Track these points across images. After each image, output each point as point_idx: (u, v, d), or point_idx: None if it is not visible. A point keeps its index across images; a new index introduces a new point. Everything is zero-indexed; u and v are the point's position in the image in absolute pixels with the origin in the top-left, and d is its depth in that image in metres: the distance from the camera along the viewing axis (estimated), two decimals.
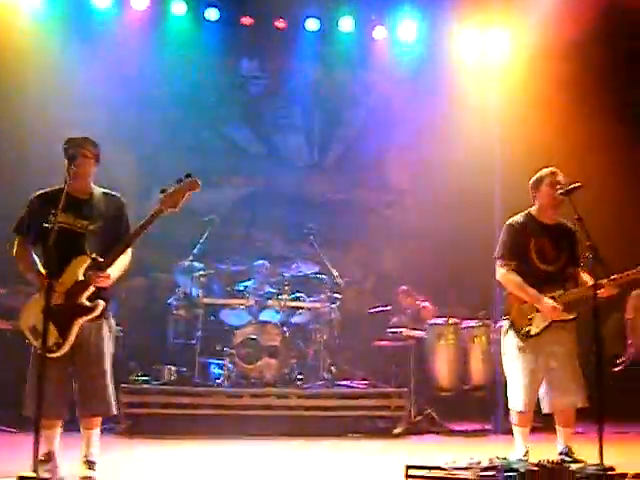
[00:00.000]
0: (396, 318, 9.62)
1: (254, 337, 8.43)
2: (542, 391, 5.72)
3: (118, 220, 5.21)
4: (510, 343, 5.84)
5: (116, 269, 5.04)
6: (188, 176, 5.18)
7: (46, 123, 9.84)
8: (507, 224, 5.93)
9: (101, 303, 4.96)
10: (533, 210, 5.92)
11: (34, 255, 5.09)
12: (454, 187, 10.92)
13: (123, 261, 5.10)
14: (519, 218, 5.93)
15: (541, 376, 5.68)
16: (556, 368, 5.65)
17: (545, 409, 5.77)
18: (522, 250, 5.79)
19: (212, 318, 9.05)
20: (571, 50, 9.71)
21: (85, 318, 4.92)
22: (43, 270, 4.94)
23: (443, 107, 10.93)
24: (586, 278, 5.65)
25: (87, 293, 4.93)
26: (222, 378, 8.32)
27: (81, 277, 4.92)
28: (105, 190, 5.28)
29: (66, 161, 4.99)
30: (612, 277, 5.45)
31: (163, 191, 5.10)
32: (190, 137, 11.09)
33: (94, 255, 4.95)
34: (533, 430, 5.84)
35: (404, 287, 9.94)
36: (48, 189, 5.19)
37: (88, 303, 4.93)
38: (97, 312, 4.95)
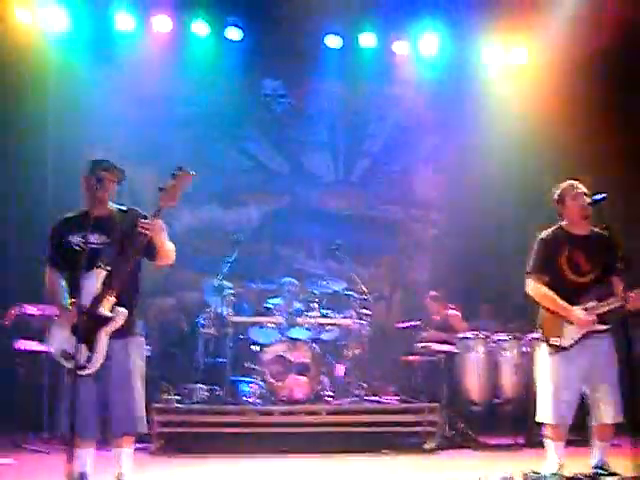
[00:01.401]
0: (425, 333, 9.58)
1: (283, 354, 8.43)
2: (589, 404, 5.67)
3: (134, 233, 5.22)
4: (543, 356, 5.80)
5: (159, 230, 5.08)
6: (180, 169, 5.20)
7: (70, 142, 9.99)
8: (538, 238, 5.89)
9: (121, 310, 4.98)
10: (564, 223, 5.88)
11: (62, 284, 5.10)
12: (481, 200, 10.92)
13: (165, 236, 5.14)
14: (550, 231, 5.89)
15: (576, 389, 5.61)
16: (593, 381, 5.59)
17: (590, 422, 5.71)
18: (553, 263, 5.74)
19: (241, 336, 9.07)
20: (589, 66, 9.70)
21: (109, 328, 4.93)
22: (68, 297, 4.99)
23: (467, 120, 10.96)
24: (622, 288, 5.58)
25: (107, 304, 4.95)
26: (252, 396, 8.32)
27: (98, 290, 4.95)
28: (122, 207, 5.31)
29: (88, 182, 5.05)
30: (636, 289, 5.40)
31: (161, 189, 5.12)
32: (214, 156, 11.14)
33: (110, 268, 4.99)
34: (570, 443, 5.78)
35: (433, 292, 9.91)
36: (70, 214, 5.21)
37: (109, 313, 4.95)
38: (120, 320, 4.97)
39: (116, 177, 5.14)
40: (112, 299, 4.94)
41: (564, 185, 5.85)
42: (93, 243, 5.01)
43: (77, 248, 4.83)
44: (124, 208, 5.30)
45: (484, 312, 10.46)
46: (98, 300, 4.92)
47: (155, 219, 5.03)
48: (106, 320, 4.94)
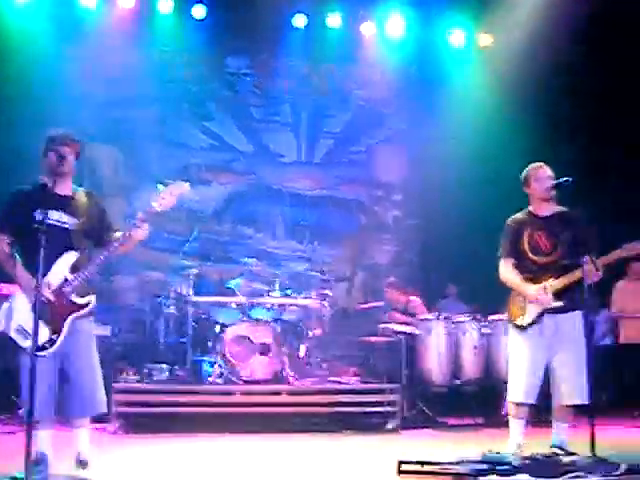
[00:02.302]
0: (387, 313, 9.61)
1: (245, 335, 8.41)
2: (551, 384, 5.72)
3: (101, 218, 5.17)
4: (510, 335, 5.89)
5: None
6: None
7: (29, 119, 9.82)
8: (505, 223, 5.96)
9: (93, 298, 4.94)
10: (530, 206, 5.93)
11: (12, 253, 4.95)
12: (443, 182, 10.97)
13: None
14: (516, 215, 5.96)
15: (541, 368, 5.66)
16: (559, 361, 5.63)
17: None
18: (517, 245, 5.81)
19: (203, 316, 9.03)
20: (552, 52, 9.77)
21: (77, 314, 4.89)
22: (24, 270, 4.88)
23: (431, 102, 10.98)
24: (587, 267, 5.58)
25: (77, 290, 4.90)
26: (213, 376, 8.30)
27: (69, 274, 4.89)
28: (85, 189, 5.24)
29: (48, 157, 4.95)
30: (594, 259, 5.42)
31: (157, 194, 5.08)
32: (178, 134, 11.07)
33: (79, 253, 4.93)
34: (529, 424, 5.84)
35: (391, 279, 9.92)
36: (27, 186, 5.08)
37: (81, 299, 4.90)
38: (90, 307, 4.93)
39: (76, 150, 5.04)
40: (84, 284, 4.90)
41: (529, 167, 5.90)
42: (60, 222, 4.94)
43: (41, 226, 4.75)
44: (89, 191, 5.24)
45: (451, 292, 10.54)
46: (70, 285, 4.86)
47: (142, 225, 4.99)
48: (78, 307, 4.89)
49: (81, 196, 5.13)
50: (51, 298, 4.79)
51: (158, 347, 8.89)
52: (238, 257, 10.60)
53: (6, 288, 8.03)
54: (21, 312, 4.80)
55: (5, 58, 9.60)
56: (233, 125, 11.36)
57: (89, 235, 5.05)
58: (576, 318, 5.68)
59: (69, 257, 4.91)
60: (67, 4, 10.06)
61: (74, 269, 4.90)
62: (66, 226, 4.96)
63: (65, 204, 5.00)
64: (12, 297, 4.93)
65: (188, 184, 5.26)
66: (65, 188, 5.06)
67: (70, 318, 4.87)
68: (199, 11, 10.56)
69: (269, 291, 9.05)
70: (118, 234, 5.05)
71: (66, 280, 4.87)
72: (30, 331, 4.61)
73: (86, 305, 4.92)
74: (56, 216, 4.93)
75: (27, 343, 4.70)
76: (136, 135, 10.84)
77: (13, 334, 4.83)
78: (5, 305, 4.92)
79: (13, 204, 5.01)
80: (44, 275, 4.70)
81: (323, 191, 11.54)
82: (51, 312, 4.78)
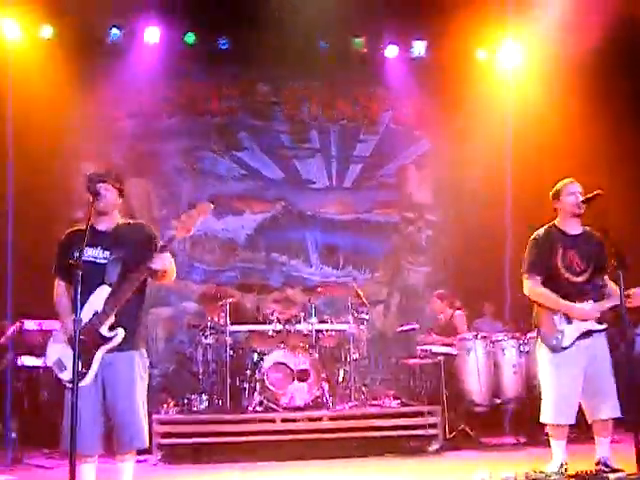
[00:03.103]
0: (425, 335, 9.58)
1: (283, 362, 8.43)
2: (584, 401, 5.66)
3: (147, 244, 5.20)
4: (543, 356, 5.78)
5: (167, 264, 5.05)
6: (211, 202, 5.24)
7: (61, 155, 10.00)
8: (532, 238, 5.89)
9: (121, 332, 4.98)
10: (557, 222, 5.89)
11: (66, 297, 5.08)
12: (474, 201, 10.94)
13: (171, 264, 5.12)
14: (543, 231, 5.89)
15: (578, 388, 5.61)
16: (593, 379, 5.59)
17: (588, 419, 5.71)
18: (548, 263, 5.74)
19: (241, 345, 9.06)
20: (582, 59, 9.71)
21: (105, 348, 4.94)
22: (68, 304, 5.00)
23: (459, 122, 10.98)
24: (614, 287, 5.60)
25: (108, 323, 4.95)
26: (253, 404, 8.31)
27: (101, 307, 4.95)
28: (131, 220, 5.31)
29: (90, 197, 5.03)
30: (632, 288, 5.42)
31: (178, 218, 5.13)
32: (207, 165, 11.16)
33: (114, 284, 4.99)
34: (571, 441, 5.77)
35: (440, 291, 9.89)
36: (76, 227, 5.20)
37: (109, 333, 4.95)
38: (117, 341, 4.96)
39: (114, 186, 5.11)
40: (112, 318, 4.94)
41: (562, 181, 5.87)
42: (96, 258, 5.02)
43: (75, 262, 4.81)
44: (131, 222, 5.30)
45: (488, 311, 10.47)
46: (99, 318, 4.91)
47: (163, 252, 4.99)
48: (104, 339, 4.93)
49: (123, 228, 5.20)
50: (83, 333, 4.85)
51: (197, 377, 8.93)
52: (273, 284, 10.64)
53: (47, 324, 8.21)
54: (59, 346, 4.92)
55: (33, 94, 9.73)
56: (263, 153, 11.42)
57: (132, 264, 5.08)
58: (604, 334, 5.69)
59: (102, 291, 4.97)
60: (94, 39, 10.18)
61: (106, 303, 4.96)
62: (102, 261, 5.03)
63: (103, 240, 5.06)
64: (55, 333, 5.07)
65: (210, 204, 5.24)
66: (107, 224, 5.14)
67: (99, 351, 4.92)
68: (222, 42, 10.63)
69: (305, 317, 9.07)
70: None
71: (96, 313, 4.93)
72: (65, 364, 4.77)
73: (113, 338, 4.96)
74: (93, 252, 5.01)
75: (63, 375, 4.84)
76: (166, 167, 10.96)
77: (53, 366, 4.94)
78: (50, 340, 5.06)
79: (65, 246, 5.10)
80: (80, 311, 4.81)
81: (355, 215, 11.54)
82: (83, 346, 4.84)
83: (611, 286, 5.69)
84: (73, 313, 4.73)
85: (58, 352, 4.93)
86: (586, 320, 5.60)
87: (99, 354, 4.91)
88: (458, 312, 9.53)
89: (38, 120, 9.64)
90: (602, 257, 5.68)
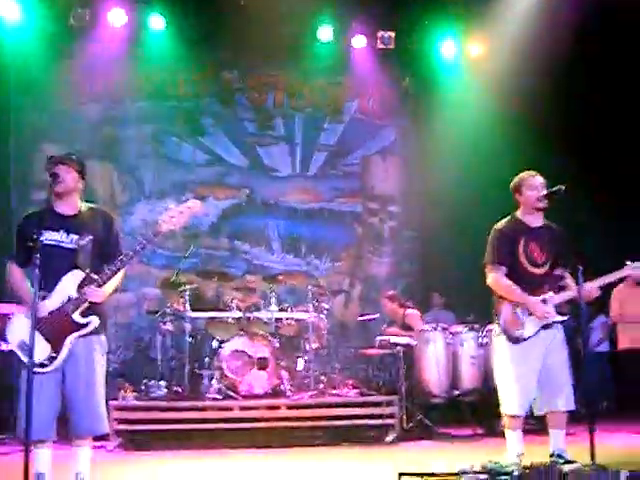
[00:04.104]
0: (386, 325, 9.61)
1: (243, 350, 8.41)
2: (536, 393, 5.71)
3: (108, 234, 5.15)
4: (501, 347, 5.80)
5: (111, 285, 5.00)
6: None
7: (27, 138, 9.90)
8: (494, 229, 5.91)
9: (95, 319, 4.93)
10: (518, 213, 5.91)
11: (25, 279, 4.96)
12: (438, 193, 11.00)
13: (117, 277, 5.05)
14: (506, 222, 5.91)
15: (534, 379, 5.66)
16: (548, 371, 5.63)
17: (538, 411, 5.77)
18: (511, 254, 5.78)
19: (200, 332, 9.02)
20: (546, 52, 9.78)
21: (78, 334, 4.88)
22: (29, 291, 4.88)
23: (425, 111, 11.03)
24: (570, 280, 5.68)
25: (81, 309, 4.89)
26: (212, 392, 8.28)
27: (74, 293, 4.89)
28: (92, 205, 5.25)
29: (49, 179, 4.96)
30: (597, 279, 5.48)
31: (165, 210, 5.06)
32: (172, 150, 11.08)
33: (87, 271, 4.93)
34: (526, 432, 5.82)
35: (390, 292, 9.89)
36: (35, 210, 5.14)
37: (82, 319, 4.89)
38: (90, 328, 4.92)
39: (74, 169, 5.03)
40: (86, 304, 4.89)
41: (522, 174, 5.89)
42: (61, 242, 4.95)
43: (50, 248, 4.79)
44: (93, 206, 5.23)
45: (437, 302, 10.54)
46: (73, 303, 4.86)
47: (111, 273, 4.92)
48: (78, 326, 4.88)
49: (87, 213, 5.13)
50: (53, 316, 4.80)
51: (155, 363, 8.87)
52: (235, 272, 10.60)
53: (7, 308, 8.07)
54: (23, 329, 4.75)
55: None
56: (227, 140, 11.36)
57: (96, 252, 5.03)
58: (560, 327, 5.75)
59: (75, 276, 4.91)
60: (58, 24, 10.05)
61: (80, 288, 4.90)
62: (69, 246, 4.96)
63: (68, 223, 5.00)
64: (16, 315, 4.93)
65: (201, 202, 5.19)
66: (68, 207, 5.06)
67: (70, 337, 4.86)
68: (191, 28, 10.54)
69: (266, 305, 9.05)
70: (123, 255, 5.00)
71: (69, 299, 4.87)
72: (28, 345, 4.58)
73: (87, 325, 4.91)
74: (56, 236, 4.94)
75: (26, 357, 4.69)
76: (130, 152, 10.87)
77: (16, 349, 4.83)
78: (11, 323, 4.93)
79: (23, 229, 5.00)
80: (49, 293, 4.80)
81: (318, 204, 11.54)
82: (53, 330, 4.79)
83: (570, 279, 5.73)
84: (42, 297, 4.70)
85: (23, 334, 4.76)
86: (546, 317, 5.64)
87: (69, 340, 4.85)
88: (410, 311, 9.50)
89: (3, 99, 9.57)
90: (562, 250, 5.74)
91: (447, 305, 10.56)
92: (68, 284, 4.90)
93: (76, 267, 4.94)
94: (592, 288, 5.57)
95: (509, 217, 5.93)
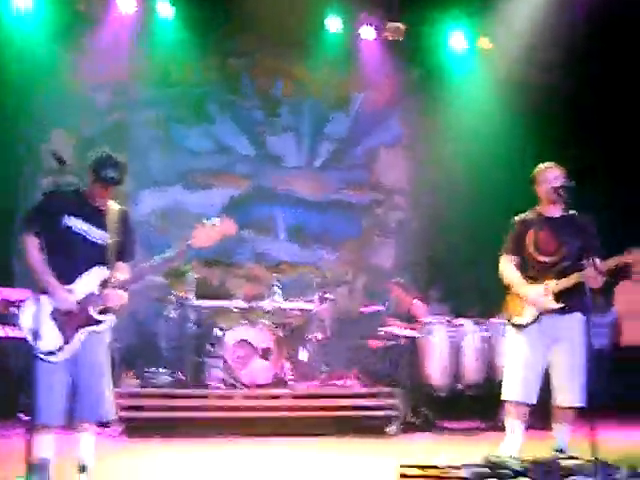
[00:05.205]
0: (389, 317, 9.61)
1: (246, 339, 8.42)
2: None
3: (128, 233, 5.17)
4: (508, 334, 5.88)
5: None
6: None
7: (35, 126, 9.90)
8: (513, 219, 5.96)
9: (111, 317, 4.96)
10: (538, 204, 5.94)
11: (43, 257, 4.83)
12: (445, 185, 10.98)
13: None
14: (525, 213, 5.96)
15: (538, 368, 5.66)
16: (556, 362, 5.63)
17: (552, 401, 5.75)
18: (519, 243, 5.81)
19: (204, 320, 9.03)
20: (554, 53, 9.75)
21: (92, 329, 4.90)
22: (51, 275, 4.82)
23: (432, 103, 11.00)
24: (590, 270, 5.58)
25: (100, 306, 4.91)
26: (214, 380, 8.30)
27: (96, 290, 4.90)
28: (115, 203, 5.22)
29: (95, 172, 4.95)
30: (597, 263, 5.43)
31: (198, 227, 5.02)
32: (178, 138, 11.06)
33: (117, 273, 4.96)
34: (529, 427, 5.81)
35: (398, 279, 9.90)
36: (62, 189, 5.08)
37: (99, 316, 4.91)
38: (106, 326, 4.95)
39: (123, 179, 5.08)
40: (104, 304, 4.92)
41: (539, 167, 5.89)
42: (89, 235, 4.95)
43: (75, 236, 4.84)
44: (117, 204, 5.22)
45: (433, 296, 10.52)
46: (93, 300, 4.87)
47: (134, 279, 4.99)
48: (95, 322, 4.89)
49: (113, 210, 5.13)
50: (71, 307, 4.81)
51: (159, 351, 8.89)
52: (239, 261, 10.60)
53: (22, 293, 8.06)
54: (39, 315, 4.61)
55: (5, 65, 9.60)
56: (235, 128, 11.34)
57: (115, 251, 5.04)
58: (576, 320, 5.65)
59: (101, 272, 4.93)
60: (66, 11, 10.04)
61: (103, 285, 4.91)
62: (96, 240, 4.96)
63: (98, 218, 5.01)
64: (32, 300, 4.76)
65: (235, 225, 5.15)
66: (101, 202, 5.08)
67: (84, 330, 4.87)
68: (199, 15, 10.53)
69: (270, 295, 9.05)
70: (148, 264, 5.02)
71: (92, 294, 4.88)
72: (41, 334, 4.56)
73: (103, 322, 4.93)
74: (85, 227, 4.94)
75: (39, 345, 4.62)
76: (137, 139, 10.83)
77: (26, 333, 4.78)
78: (24, 308, 4.85)
79: (46, 206, 4.91)
80: (71, 283, 4.83)
81: (325, 195, 11.52)
82: (68, 321, 4.80)
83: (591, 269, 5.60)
84: (62, 283, 4.75)
85: (36, 320, 4.61)
86: (537, 303, 5.62)
87: (82, 333, 4.87)
88: (416, 301, 9.53)
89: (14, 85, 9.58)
90: (585, 240, 5.61)
91: (442, 300, 10.53)
92: (92, 279, 4.91)
93: (100, 263, 4.95)
94: (595, 273, 5.47)
95: (531, 209, 5.95)
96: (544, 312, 5.64)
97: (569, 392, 5.58)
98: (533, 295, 5.64)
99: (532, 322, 5.66)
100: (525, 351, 5.67)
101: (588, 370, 5.36)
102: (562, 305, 5.60)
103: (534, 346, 5.65)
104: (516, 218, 5.97)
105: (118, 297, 4.92)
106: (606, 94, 9.88)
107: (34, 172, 9.96)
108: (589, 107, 9.92)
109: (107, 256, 4.97)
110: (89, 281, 4.90)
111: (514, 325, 5.77)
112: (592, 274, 5.40)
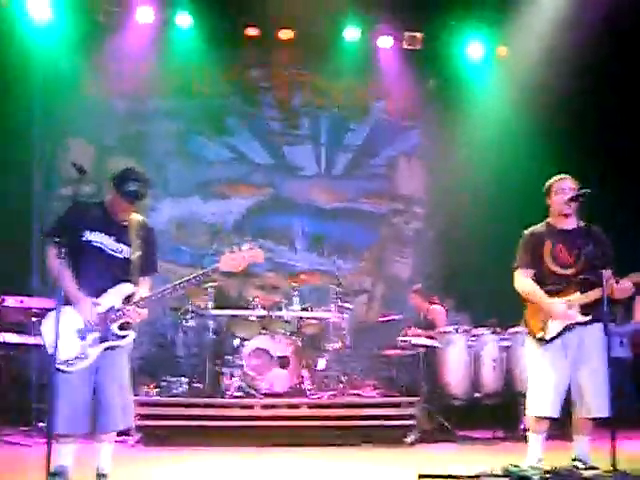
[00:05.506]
0: (407, 326, 9.59)
1: (264, 348, 8.42)
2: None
3: (149, 247, 5.22)
4: (530, 349, 5.82)
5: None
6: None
7: (54, 134, 9.97)
8: (523, 233, 5.93)
9: (132, 334, 4.99)
10: (550, 217, 5.91)
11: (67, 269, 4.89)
12: (463, 194, 10.96)
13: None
14: (536, 226, 5.93)
15: (566, 382, 5.62)
16: (580, 374, 5.58)
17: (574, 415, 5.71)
18: (536, 256, 5.77)
19: (222, 329, 9.05)
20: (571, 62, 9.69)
21: (112, 344, 4.94)
22: (76, 287, 4.91)
23: (451, 113, 10.99)
24: (612, 281, 5.58)
25: (121, 321, 4.95)
26: (232, 389, 8.30)
27: (119, 304, 4.94)
28: (138, 216, 5.27)
29: (119, 186, 4.99)
30: (620, 279, 5.42)
31: (228, 252, 5.15)
32: (197, 148, 11.11)
33: (141, 291, 5.04)
34: (548, 437, 5.77)
35: (417, 286, 9.90)
36: (87, 200, 5.20)
37: (120, 331, 4.94)
38: (126, 342, 4.99)
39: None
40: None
41: (553, 178, 5.88)
42: (110, 248, 5.01)
43: (98, 250, 4.95)
44: (142, 219, 5.27)
45: (448, 306, 10.49)
46: (115, 315, 4.93)
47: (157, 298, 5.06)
48: (113, 336, 4.93)
49: (136, 226, 5.18)
50: (96, 321, 4.86)
51: (177, 360, 8.91)
52: (258, 270, 10.62)
53: (28, 301, 8.12)
54: (61, 326, 4.65)
55: (26, 76, 9.68)
56: (253, 138, 11.37)
57: (140, 267, 5.09)
58: (598, 330, 5.60)
59: (126, 288, 4.99)
60: (86, 21, 10.11)
61: (126, 301, 4.95)
62: (116, 254, 5.01)
63: (120, 232, 5.08)
64: (55, 310, 4.72)
65: (262, 253, 5.29)
66: (123, 217, 5.13)
67: (102, 344, 4.91)
68: (218, 25, 10.58)
69: (288, 304, 9.06)
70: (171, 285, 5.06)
71: (112, 308, 4.91)
72: (63, 345, 4.68)
73: (123, 337, 4.97)
74: (104, 240, 4.99)
75: (59, 355, 4.71)
76: (156, 149, 10.89)
77: (48, 344, 4.81)
78: (47, 318, 4.91)
79: (71, 216, 5.02)
80: (96, 296, 4.92)
81: (342, 204, 11.53)
82: (90, 333, 4.88)
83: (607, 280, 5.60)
84: (87, 295, 4.83)
85: (59, 331, 4.64)
86: (560, 318, 5.60)
87: (101, 347, 4.90)
88: (435, 307, 9.52)
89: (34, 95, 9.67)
90: (599, 251, 5.62)
91: (459, 309, 10.50)
92: (116, 294, 4.97)
93: (122, 277, 5.01)
94: (625, 286, 5.50)
95: (543, 222, 5.93)
96: (569, 325, 5.61)
97: (594, 403, 5.53)
98: (560, 309, 5.61)
99: (557, 336, 5.63)
100: (550, 366, 5.61)
101: (610, 380, 5.32)
102: (589, 317, 5.59)
103: (559, 361, 5.60)
104: (526, 232, 5.92)
105: (138, 314, 4.96)
106: (631, 99, 9.80)
107: (54, 182, 10.03)
108: (611, 111, 9.83)
109: (131, 270, 5.01)
110: (115, 296, 4.95)
111: (537, 340, 5.71)
112: (626, 286, 5.43)
